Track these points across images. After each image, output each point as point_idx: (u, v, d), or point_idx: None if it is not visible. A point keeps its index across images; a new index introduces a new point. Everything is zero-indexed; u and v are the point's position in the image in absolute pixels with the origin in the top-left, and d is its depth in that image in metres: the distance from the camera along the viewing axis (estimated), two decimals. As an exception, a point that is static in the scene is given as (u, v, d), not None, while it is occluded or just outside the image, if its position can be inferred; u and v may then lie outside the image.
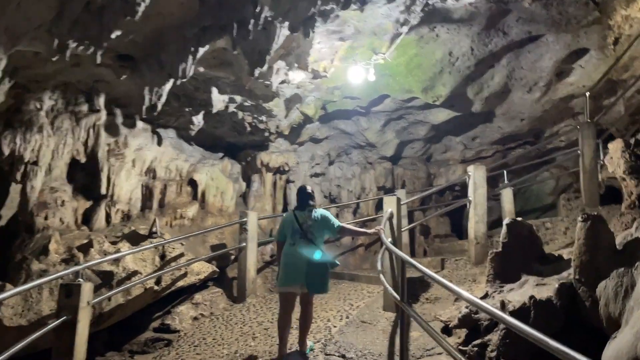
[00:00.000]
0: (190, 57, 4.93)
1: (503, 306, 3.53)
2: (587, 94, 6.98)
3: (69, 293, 3.83)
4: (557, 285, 3.42)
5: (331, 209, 9.65)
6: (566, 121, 9.44)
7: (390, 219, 5.87)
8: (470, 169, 6.75)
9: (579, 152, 6.70)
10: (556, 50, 7.45)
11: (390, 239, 5.92)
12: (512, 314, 3.40)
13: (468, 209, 6.80)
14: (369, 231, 5.30)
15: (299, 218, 4.56)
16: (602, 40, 7.46)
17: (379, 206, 10.09)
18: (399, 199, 6.02)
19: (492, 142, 9.81)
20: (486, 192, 6.77)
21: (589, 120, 6.80)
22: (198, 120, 7.08)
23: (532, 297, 3.41)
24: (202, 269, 6.60)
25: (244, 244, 6.92)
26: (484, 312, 3.08)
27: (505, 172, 8.77)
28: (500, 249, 4.42)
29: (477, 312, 3.99)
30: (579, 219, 3.40)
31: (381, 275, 4.95)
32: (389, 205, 5.93)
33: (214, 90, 6.41)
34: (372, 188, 9.80)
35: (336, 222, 4.75)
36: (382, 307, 5.82)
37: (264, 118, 7.34)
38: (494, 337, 3.59)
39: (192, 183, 8.07)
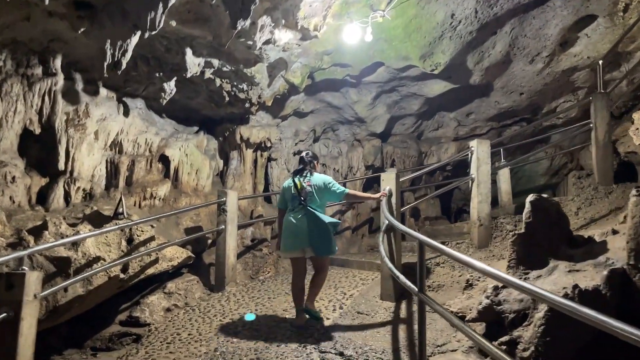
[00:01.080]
0: (160, 6, 4.22)
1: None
2: (600, 62, 6.52)
3: (10, 284, 3.17)
4: (606, 273, 2.89)
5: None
6: (565, 97, 9.06)
7: (389, 197, 5.32)
8: (474, 143, 6.23)
9: (590, 125, 6.23)
10: (563, 16, 6.96)
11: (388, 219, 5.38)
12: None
13: (470, 188, 6.29)
14: (374, 195, 5.19)
15: (298, 184, 4.64)
16: (612, 6, 6.99)
17: (366, 186, 9.54)
18: (398, 175, 5.45)
19: (488, 118, 9.33)
20: (490, 169, 6.26)
21: (602, 91, 6.31)
22: (170, 87, 6.34)
23: (576, 286, 2.88)
24: (176, 254, 5.94)
25: (223, 226, 6.29)
26: (547, 302, 2.53)
27: (502, 150, 8.32)
28: (523, 230, 3.89)
29: (500, 304, 3.46)
30: (633, 192, 2.85)
31: (386, 259, 4.40)
32: (388, 182, 5.37)
33: (188, 52, 5.68)
34: (360, 167, 9.23)
35: (339, 188, 4.77)
36: (379, 296, 5.29)
37: (244, 86, 6.64)
38: (526, 333, 3.06)
39: (164, 159, 7.35)
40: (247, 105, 7.12)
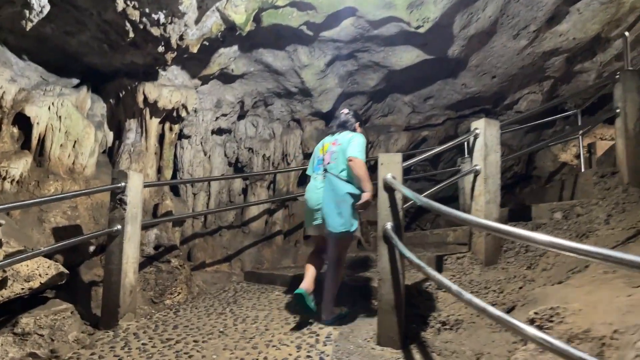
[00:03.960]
0: None
1: None
2: (627, 33, 5.44)
3: None
4: None
5: (235, 182, 7.16)
6: (530, 87, 8.27)
7: (389, 190, 3.69)
8: (479, 124, 4.83)
9: (617, 110, 5.12)
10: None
11: (390, 223, 3.78)
12: None
13: (471, 183, 4.87)
14: (366, 196, 3.90)
15: (325, 145, 4.15)
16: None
17: (301, 180, 7.81)
18: (402, 157, 3.81)
19: (447, 105, 8.14)
20: (500, 159, 4.89)
21: (631, 68, 5.25)
22: (40, 4, 4.08)
23: None
24: (38, 269, 3.76)
25: (119, 226, 4.23)
26: None
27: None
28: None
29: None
30: None
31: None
32: (389, 168, 3.73)
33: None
34: (297, 155, 7.46)
35: (355, 150, 3.89)
36: (374, 339, 3.61)
37: (161, 16, 4.56)
38: None
39: (23, 121, 4.99)
40: (160, 49, 5.03)
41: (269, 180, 7.40)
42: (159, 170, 6.15)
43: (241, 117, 7.15)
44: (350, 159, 3.84)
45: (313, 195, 4.03)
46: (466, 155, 6.43)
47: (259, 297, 4.93)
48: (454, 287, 2.53)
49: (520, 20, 6.47)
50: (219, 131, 7.00)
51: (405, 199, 3.75)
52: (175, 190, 6.72)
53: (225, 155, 7.19)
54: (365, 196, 3.86)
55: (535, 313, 3.21)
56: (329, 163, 3.98)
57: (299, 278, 5.13)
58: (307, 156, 7.60)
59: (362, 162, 3.87)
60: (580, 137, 7.72)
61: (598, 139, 8.33)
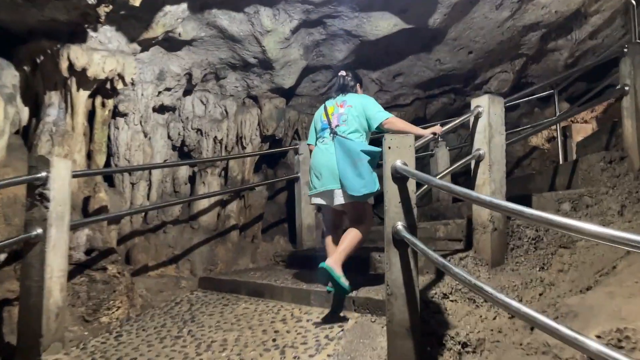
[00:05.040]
0: None
1: None
2: (633, 1, 4.94)
3: None
4: None
5: (181, 169, 6.21)
6: (502, 65, 7.80)
7: (399, 181, 2.99)
8: (482, 101, 4.20)
9: (626, 88, 4.64)
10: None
11: (401, 223, 3.08)
12: None
13: (472, 170, 4.24)
14: (425, 132, 3.81)
15: (329, 108, 3.86)
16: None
17: (258, 166, 6.94)
18: (412, 136, 3.10)
19: (417, 84, 7.53)
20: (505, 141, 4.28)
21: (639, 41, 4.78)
22: None
23: None
24: None
25: (40, 230, 3.27)
26: None
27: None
28: None
29: None
30: None
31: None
32: (399, 152, 3.00)
33: None
34: (253, 138, 6.57)
35: (379, 110, 3.79)
36: (385, 371, 2.88)
37: (93, -45, 3.53)
38: None
39: None
40: (91, 0, 3.97)
41: (221, 166, 6.46)
42: (89, 156, 5.08)
43: (188, 92, 6.15)
44: (385, 123, 3.68)
45: (323, 157, 3.68)
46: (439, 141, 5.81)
47: (222, 312, 4.06)
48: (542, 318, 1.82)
49: (507, -13, 5.92)
50: (162, 109, 5.98)
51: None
52: (109, 180, 5.66)
53: (169, 137, 6.18)
54: (429, 132, 3.74)
55: (598, 336, 2.60)
56: (337, 126, 3.71)
57: (269, 287, 4.33)
58: (266, 139, 6.71)
59: (394, 117, 3.80)
60: (558, 122, 7.35)
61: (570, 122, 8.00)
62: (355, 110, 3.74)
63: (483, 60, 7.18)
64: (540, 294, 3.68)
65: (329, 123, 3.76)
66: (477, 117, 4.21)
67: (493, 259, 4.06)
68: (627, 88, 4.61)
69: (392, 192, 2.97)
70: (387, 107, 7.80)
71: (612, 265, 3.60)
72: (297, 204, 6.15)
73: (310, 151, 3.97)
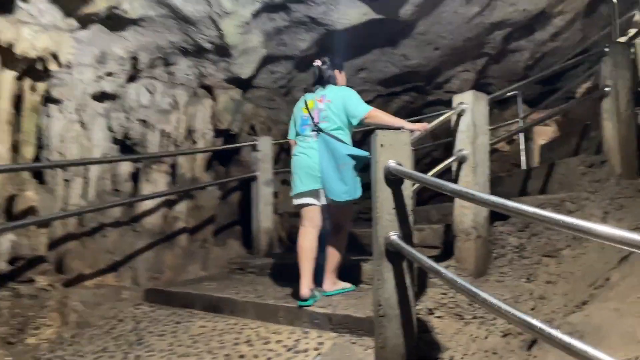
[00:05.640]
0: None
1: None
2: (615, -1, 4.81)
3: None
4: None
5: (123, 165, 5.60)
6: (465, 65, 7.61)
7: (393, 184, 2.62)
8: (466, 97, 3.92)
9: (606, 89, 4.49)
10: None
11: (395, 233, 2.73)
12: None
13: (455, 171, 3.96)
14: (414, 127, 3.48)
15: (309, 102, 3.71)
16: None
17: (210, 165, 6.38)
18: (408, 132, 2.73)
19: (380, 80, 7.26)
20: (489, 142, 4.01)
21: (621, 40, 4.64)
22: None
23: None
24: None
25: None
26: None
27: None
28: None
29: None
30: None
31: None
32: (393, 151, 2.63)
33: None
34: (206, 132, 6.00)
35: (360, 104, 3.59)
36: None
37: None
38: None
39: None
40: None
41: (168, 163, 5.86)
42: (15, 148, 4.38)
43: (133, 78, 5.50)
44: (366, 117, 3.52)
45: (307, 155, 3.54)
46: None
47: (175, 332, 3.53)
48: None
49: (479, -18, 5.70)
50: (102, 96, 5.30)
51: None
52: (39, 176, 4.94)
53: (110, 129, 5.51)
54: (417, 127, 3.47)
55: (622, 364, 2.31)
56: (319, 123, 3.58)
57: (230, 301, 3.83)
58: (220, 133, 6.16)
59: (375, 110, 3.59)
60: (521, 121, 7.26)
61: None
62: (334, 106, 3.60)
63: (448, 57, 6.98)
64: (532, 309, 3.41)
65: (311, 118, 3.63)
66: (459, 115, 3.92)
67: (477, 269, 3.78)
68: (608, 89, 4.45)
69: (384, 197, 2.58)
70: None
71: (604, 277, 3.37)
72: (255, 206, 5.66)
73: (290, 146, 3.89)
